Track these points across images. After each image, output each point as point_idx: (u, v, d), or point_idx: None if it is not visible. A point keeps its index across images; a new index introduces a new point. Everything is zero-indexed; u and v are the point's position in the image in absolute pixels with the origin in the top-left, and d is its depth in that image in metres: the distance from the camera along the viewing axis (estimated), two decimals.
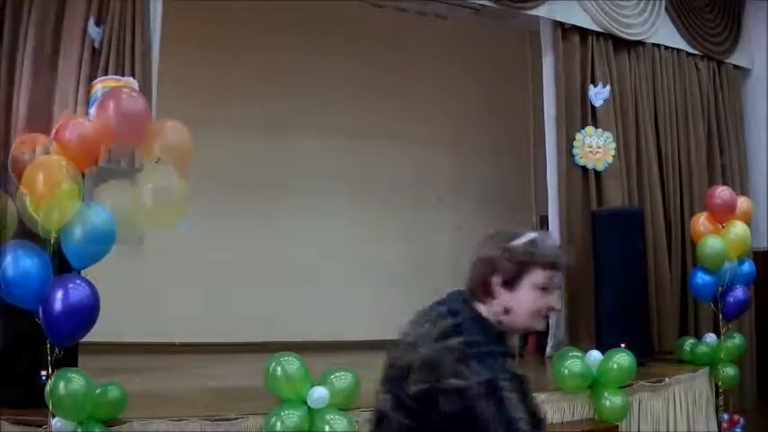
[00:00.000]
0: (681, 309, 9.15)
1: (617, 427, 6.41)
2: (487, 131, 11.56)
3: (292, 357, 5.19)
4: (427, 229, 10.82)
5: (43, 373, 4.50)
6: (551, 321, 8.87)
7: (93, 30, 6.97)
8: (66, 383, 4.55)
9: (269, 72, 10.31)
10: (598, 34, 9.37)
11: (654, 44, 9.78)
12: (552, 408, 6.22)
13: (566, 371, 6.34)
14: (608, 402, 6.32)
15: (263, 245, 10.04)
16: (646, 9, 9.63)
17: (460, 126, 11.51)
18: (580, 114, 9.16)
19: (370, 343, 9.89)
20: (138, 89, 6.37)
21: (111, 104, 4.99)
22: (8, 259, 4.46)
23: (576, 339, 8.47)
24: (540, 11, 9.07)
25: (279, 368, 5.08)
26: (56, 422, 4.55)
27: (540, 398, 6.07)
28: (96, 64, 6.96)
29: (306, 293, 9.91)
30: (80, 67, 6.93)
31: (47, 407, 4.52)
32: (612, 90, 9.31)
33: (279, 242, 10.11)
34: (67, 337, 4.65)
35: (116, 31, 7.03)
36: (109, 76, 6.72)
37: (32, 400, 4.67)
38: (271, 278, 9.83)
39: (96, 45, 7.01)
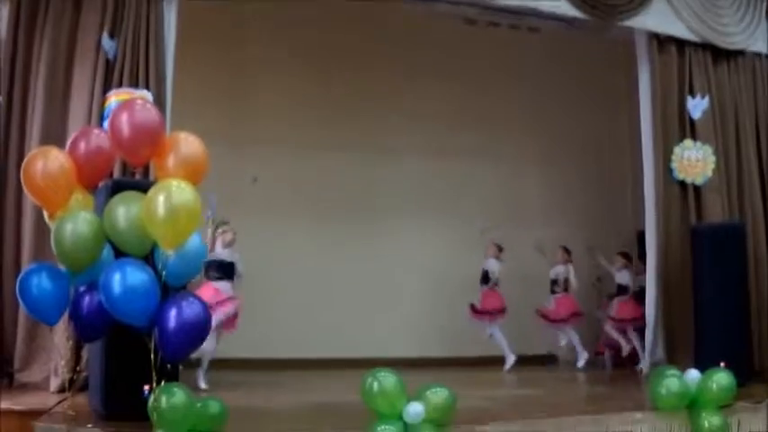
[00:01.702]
0: None
1: None
2: (582, 146, 11.42)
3: (388, 373, 5.23)
4: (518, 249, 10.71)
5: (146, 387, 4.60)
6: (648, 338, 8.76)
7: (106, 42, 7.12)
8: (169, 398, 4.63)
9: (357, 94, 10.47)
10: (695, 44, 9.19)
11: (754, 53, 9.52)
12: (648, 428, 6.09)
13: (663, 390, 6.21)
14: (707, 423, 6.15)
15: (356, 265, 10.16)
16: (745, 16, 9.40)
17: (554, 141, 11.40)
18: (678, 127, 9.01)
19: (458, 360, 10.05)
20: (152, 101, 6.46)
21: (125, 116, 4.97)
22: (117, 275, 4.58)
23: (674, 357, 8.34)
24: (635, 22, 8.96)
25: (375, 383, 5.10)
26: None
27: (636, 417, 6.05)
28: (110, 76, 7.11)
29: (393, 311, 10.03)
30: (94, 80, 7.10)
31: (149, 420, 4.63)
32: (711, 101, 9.10)
33: (371, 263, 10.21)
34: (180, 353, 4.78)
35: (130, 43, 7.18)
36: (123, 89, 6.86)
37: (136, 414, 4.77)
38: (361, 296, 9.94)
39: (110, 58, 7.15)
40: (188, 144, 5.09)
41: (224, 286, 7.66)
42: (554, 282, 10.25)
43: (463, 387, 6.71)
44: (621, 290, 10.09)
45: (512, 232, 10.44)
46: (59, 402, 5.68)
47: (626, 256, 10.23)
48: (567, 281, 10.16)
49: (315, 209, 9.97)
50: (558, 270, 10.21)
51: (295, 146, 10.06)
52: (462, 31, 10.50)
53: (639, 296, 9.50)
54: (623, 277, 10.08)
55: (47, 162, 5.09)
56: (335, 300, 9.89)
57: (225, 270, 7.72)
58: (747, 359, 7.85)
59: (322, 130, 10.17)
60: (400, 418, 5.08)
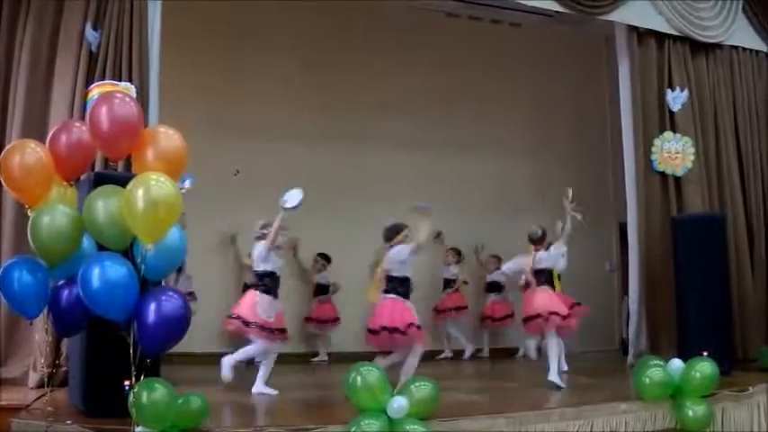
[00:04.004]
0: (765, 316, 8.92)
1: None
2: (564, 138, 11.46)
3: (373, 367, 5.22)
4: (506, 237, 10.69)
5: (126, 383, 4.54)
6: (631, 328, 8.79)
7: (90, 34, 7.04)
8: (149, 393, 4.60)
9: (343, 85, 10.49)
10: (675, 38, 9.24)
11: (732, 46, 9.59)
12: (633, 418, 6.12)
13: (647, 380, 6.23)
14: (690, 412, 6.19)
15: (344, 255, 10.11)
16: (722, 10, 9.46)
17: (536, 133, 11.44)
18: (658, 119, 9.05)
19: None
20: (135, 94, 6.46)
21: (103, 109, 4.88)
22: (95, 269, 4.50)
23: (657, 347, 8.36)
24: (615, 16, 9.00)
25: (359, 378, 5.10)
26: (138, 431, 4.61)
27: (621, 407, 6.05)
28: (93, 68, 7.03)
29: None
30: (77, 72, 7.02)
31: (130, 416, 4.59)
32: (690, 94, 9.16)
33: (359, 253, 10.16)
34: (159, 347, 4.72)
35: (113, 35, 7.10)
36: (105, 81, 6.78)
37: (116, 410, 4.74)
38: (349, 286, 9.90)
39: (93, 49, 7.08)
40: (167, 137, 5.02)
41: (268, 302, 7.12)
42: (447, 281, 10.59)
43: (446, 380, 6.73)
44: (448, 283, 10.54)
45: (496, 222, 10.50)
46: (38, 398, 5.60)
47: (458, 252, 10.63)
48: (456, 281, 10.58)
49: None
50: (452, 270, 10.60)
51: (281, 134, 10.04)
52: (449, 22, 10.55)
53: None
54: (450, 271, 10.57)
55: (24, 156, 5.01)
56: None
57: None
58: (730, 348, 7.90)
59: (310, 121, 10.16)
60: (384, 412, 5.07)
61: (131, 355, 4.57)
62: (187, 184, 6.88)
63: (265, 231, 7.12)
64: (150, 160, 4.88)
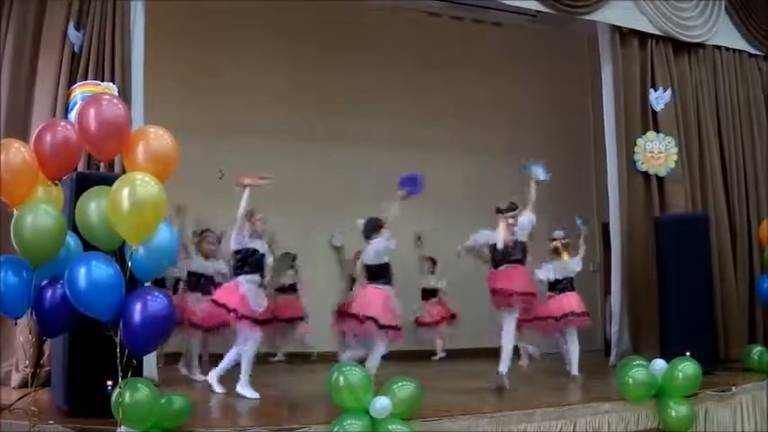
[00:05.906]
0: (748, 316, 8.98)
1: None
2: (547, 138, 11.44)
3: (355, 368, 5.21)
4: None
5: (109, 382, 4.53)
6: (614, 328, 8.81)
7: (72, 34, 7.03)
8: (133, 393, 4.60)
9: (327, 86, 10.56)
10: (657, 38, 9.29)
11: (714, 46, 9.63)
12: (616, 418, 6.14)
13: (630, 380, 6.25)
14: (673, 412, 6.21)
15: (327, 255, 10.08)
16: (705, 10, 9.51)
17: (519, 133, 11.44)
18: (641, 119, 9.09)
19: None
20: (117, 94, 6.41)
21: (92, 111, 4.85)
22: (82, 269, 4.47)
23: (640, 347, 8.40)
24: (597, 16, 9.03)
25: (341, 378, 5.09)
26: (121, 431, 4.59)
27: (603, 407, 6.06)
28: (76, 68, 7.02)
29: None
30: (59, 71, 7.01)
31: (112, 416, 4.57)
32: (673, 94, 9.19)
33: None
34: (145, 347, 4.71)
35: (96, 35, 7.09)
36: (88, 81, 6.77)
37: (98, 410, 4.73)
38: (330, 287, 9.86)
39: (76, 49, 7.07)
40: (158, 138, 5.00)
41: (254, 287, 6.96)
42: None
43: (429, 380, 6.73)
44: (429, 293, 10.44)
45: (476, 221, 10.51)
46: (21, 398, 5.57)
47: (433, 260, 10.52)
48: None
49: (287, 198, 9.85)
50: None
51: (264, 133, 10.06)
52: (430, 22, 10.60)
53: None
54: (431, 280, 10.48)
55: (8, 155, 4.97)
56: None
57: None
58: (712, 348, 7.95)
59: (293, 119, 10.21)
60: (366, 412, 5.06)
61: (118, 355, 4.55)
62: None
63: None
64: (141, 161, 4.88)
